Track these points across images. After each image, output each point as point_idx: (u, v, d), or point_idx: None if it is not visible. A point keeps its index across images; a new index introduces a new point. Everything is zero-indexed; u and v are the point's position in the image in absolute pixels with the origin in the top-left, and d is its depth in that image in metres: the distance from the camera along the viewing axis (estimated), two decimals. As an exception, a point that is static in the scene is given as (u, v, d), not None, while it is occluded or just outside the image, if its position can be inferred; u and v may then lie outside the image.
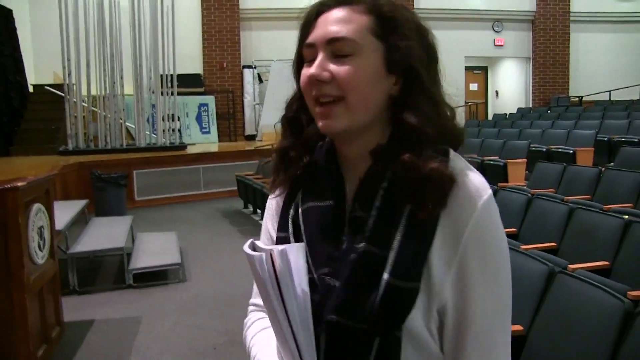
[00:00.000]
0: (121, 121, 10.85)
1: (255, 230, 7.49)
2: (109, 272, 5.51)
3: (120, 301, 4.85)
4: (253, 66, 14.20)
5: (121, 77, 10.86)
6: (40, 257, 3.77)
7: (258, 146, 11.42)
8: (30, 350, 3.49)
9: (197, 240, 6.89)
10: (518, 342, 2.41)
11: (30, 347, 3.49)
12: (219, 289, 5.10)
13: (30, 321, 3.49)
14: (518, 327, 2.44)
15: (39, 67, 12.64)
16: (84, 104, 10.68)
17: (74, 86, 10.54)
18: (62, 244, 5.20)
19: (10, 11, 11.71)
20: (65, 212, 5.43)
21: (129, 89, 11.16)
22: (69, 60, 10.41)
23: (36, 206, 3.76)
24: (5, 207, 3.41)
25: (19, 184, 3.49)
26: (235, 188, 9.15)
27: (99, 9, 10.64)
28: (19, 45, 11.86)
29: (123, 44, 10.87)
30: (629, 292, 2.46)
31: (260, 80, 14.04)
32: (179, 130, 11.64)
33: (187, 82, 12.98)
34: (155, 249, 5.61)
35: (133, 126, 11.21)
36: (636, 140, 7.54)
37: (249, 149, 11.20)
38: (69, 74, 10.48)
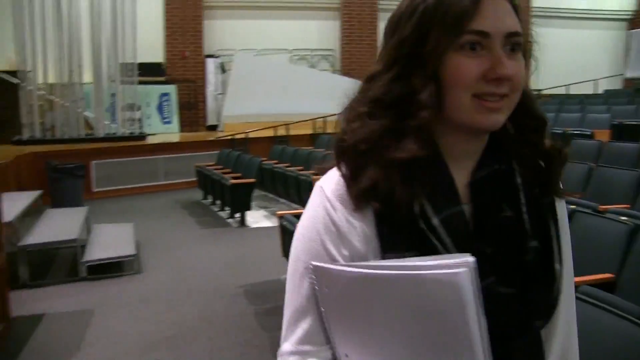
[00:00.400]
0: (79, 110, 10.62)
1: (212, 221, 7.46)
2: (62, 265, 5.41)
3: (73, 294, 4.77)
4: (216, 56, 14.06)
5: (80, 65, 10.61)
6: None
7: (220, 136, 11.35)
8: (-25, 345, 3.43)
9: (154, 231, 6.83)
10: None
11: (-25, 342, 3.43)
12: (175, 280, 5.08)
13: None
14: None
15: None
16: (40, 92, 10.41)
17: (30, 73, 10.26)
18: (13, 236, 5.09)
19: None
20: (17, 203, 5.32)
21: (88, 77, 10.92)
22: (24, 45, 10.13)
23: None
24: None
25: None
26: (195, 179, 9.08)
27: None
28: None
29: (82, 30, 10.61)
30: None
31: (223, 70, 13.92)
32: (139, 120, 11.47)
33: (148, 71, 12.76)
34: (111, 241, 5.54)
35: (92, 115, 10.99)
36: (588, 133, 7.74)
37: (210, 139, 11.11)
38: (24, 60, 10.22)
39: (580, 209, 3.46)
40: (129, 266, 5.25)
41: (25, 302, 4.46)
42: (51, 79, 10.56)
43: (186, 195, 9.20)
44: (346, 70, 14.92)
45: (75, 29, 10.50)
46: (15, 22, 9.95)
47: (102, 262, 5.07)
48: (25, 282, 4.86)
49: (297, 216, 4.83)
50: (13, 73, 10.88)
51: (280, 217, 4.92)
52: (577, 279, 2.93)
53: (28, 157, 8.26)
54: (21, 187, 7.37)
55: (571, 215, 3.33)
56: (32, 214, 5.88)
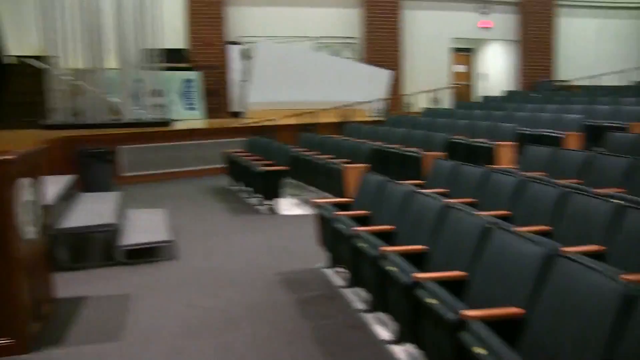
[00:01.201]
0: (105, 96, 10.67)
1: (243, 207, 7.45)
2: (97, 248, 5.42)
3: (110, 278, 4.79)
4: (239, 43, 14.02)
5: (105, 51, 10.67)
6: (30, 232, 3.69)
7: (244, 123, 11.32)
8: (22, 326, 3.44)
9: (185, 217, 6.83)
10: (518, 325, 2.42)
11: (22, 323, 3.43)
12: (211, 266, 5.07)
13: (22, 297, 3.43)
14: (516, 310, 2.45)
15: (21, 39, 12.32)
16: (66, 77, 10.46)
17: (57, 59, 10.33)
18: (51, 220, 5.10)
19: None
20: (52, 187, 5.33)
21: (113, 63, 10.97)
22: (49, 32, 10.21)
23: (25, 180, 3.67)
24: (-6, 181, 3.32)
25: (9, 157, 3.40)
26: (222, 165, 9.06)
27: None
28: (-1, 16, 11.56)
29: (107, 17, 10.67)
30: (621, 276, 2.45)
31: (246, 58, 13.87)
32: (164, 106, 11.49)
33: (172, 57, 12.77)
34: (145, 226, 5.54)
35: (117, 101, 11.03)
36: (623, 126, 7.60)
37: (235, 126, 11.09)
38: (51, 46, 10.30)
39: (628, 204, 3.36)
40: (164, 252, 5.24)
41: (65, 285, 4.47)
42: (77, 65, 10.63)
43: (213, 182, 9.20)
44: (369, 58, 14.82)
45: (100, 16, 10.59)
46: (41, 8, 10.00)
47: (138, 247, 5.07)
48: (64, 265, 4.87)
49: (335, 205, 4.80)
50: (39, 58, 10.97)
51: (317, 205, 4.89)
52: (573, 248, 2.87)
53: (57, 142, 8.29)
54: (52, 171, 7.39)
55: (622, 210, 3.25)
56: (64, 198, 5.90)
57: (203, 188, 8.82)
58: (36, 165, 3.98)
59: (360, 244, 3.70)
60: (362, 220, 4.27)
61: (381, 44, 15.01)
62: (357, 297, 4.15)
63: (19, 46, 12.26)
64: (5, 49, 11.81)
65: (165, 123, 10.83)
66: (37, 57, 11.26)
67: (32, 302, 3.61)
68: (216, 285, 4.58)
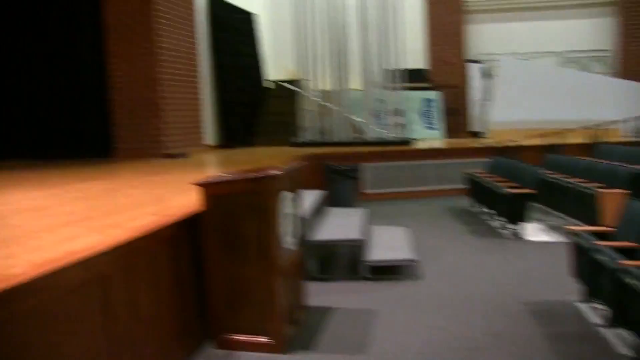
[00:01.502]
0: (349, 115, 11.28)
1: (485, 230, 7.20)
2: (344, 262, 5.66)
3: (356, 292, 4.94)
4: (479, 61, 13.75)
5: (350, 73, 11.35)
6: (290, 243, 3.98)
7: (485, 143, 11.02)
8: (280, 328, 3.70)
9: (426, 236, 6.81)
10: None
11: (280, 326, 3.70)
12: (453, 289, 4.95)
13: (280, 302, 3.70)
14: None
15: (276, 65, 13.66)
16: (315, 98, 11.31)
17: (307, 82, 11.26)
18: (305, 232, 5.46)
19: (252, 14, 12.91)
20: (305, 200, 5.71)
21: (357, 84, 11.58)
22: (301, 57, 11.22)
23: (287, 194, 3.97)
24: (262, 193, 3.64)
25: (275, 172, 3.71)
26: (463, 186, 8.91)
27: (329, 9, 11.29)
28: (259, 45, 13.00)
29: (351, 40, 11.35)
30: None
31: (487, 76, 13.54)
32: (404, 125, 11.73)
33: (412, 77, 12.99)
34: (389, 243, 5.64)
35: (360, 120, 11.56)
36: None
37: (476, 146, 10.85)
38: (303, 71, 11.27)
39: None
40: (408, 271, 5.28)
41: (314, 294, 4.72)
42: (325, 86, 11.45)
43: (453, 202, 9.08)
44: (626, 72, 13.41)
45: (345, 40, 11.34)
46: (295, 37, 11.09)
47: (383, 264, 5.17)
48: (313, 275, 5.17)
49: (594, 233, 4.37)
50: (292, 82, 12.09)
51: (572, 232, 4.50)
52: None
53: (307, 158, 8.93)
54: (303, 186, 7.99)
55: None
56: (316, 211, 6.29)
57: (443, 208, 8.76)
58: (296, 180, 4.30)
59: (629, 280, 3.29)
60: (627, 253, 3.82)
61: (640, 56, 13.53)
62: (620, 341, 3.70)
63: (276, 71, 13.58)
64: (265, 75, 13.22)
65: (406, 142, 11.03)
66: (290, 81, 12.37)
67: (288, 307, 3.88)
68: (460, 310, 4.45)
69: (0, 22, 9.45)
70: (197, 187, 3.71)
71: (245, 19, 12.73)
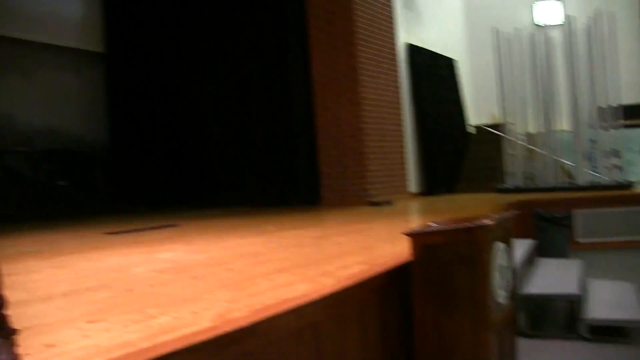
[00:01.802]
0: (557, 158, 10.61)
1: None
2: (557, 318, 5.26)
3: (572, 353, 4.55)
4: None
5: (557, 113, 10.72)
6: (502, 296, 3.80)
7: None
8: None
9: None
10: None
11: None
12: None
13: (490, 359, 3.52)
14: None
15: (478, 110, 13.43)
16: (521, 142, 10.85)
17: (511, 125, 10.85)
18: (517, 285, 5.19)
19: (453, 60, 12.93)
20: (515, 251, 5.44)
21: (564, 124, 10.89)
22: (505, 100, 10.88)
23: (499, 244, 3.81)
24: (474, 244, 3.52)
25: (488, 222, 3.59)
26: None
27: (532, 48, 10.82)
28: (461, 90, 12.95)
29: (558, 79, 10.79)
30: None
31: None
32: (621, 167, 10.69)
33: (629, 114, 11.86)
34: (611, 300, 5.13)
35: (569, 163, 10.81)
36: None
37: None
38: (506, 114, 10.91)
39: None
40: (637, 333, 4.73)
41: (525, 352, 4.43)
42: (529, 129, 10.93)
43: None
44: None
45: (551, 78, 10.75)
46: (497, 80, 10.85)
47: (606, 323, 4.70)
48: (524, 331, 4.87)
49: None
50: (495, 127, 11.78)
51: None
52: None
53: (514, 206, 8.53)
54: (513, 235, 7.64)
55: None
56: (527, 262, 5.95)
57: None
58: (508, 230, 4.12)
59: None
60: None
61: None
62: None
63: (478, 116, 13.35)
64: (468, 120, 13.09)
65: (624, 186, 10.03)
66: (494, 126, 12.05)
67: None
68: None
69: (225, 84, 10.56)
70: (407, 236, 3.72)
71: (445, 64, 12.80)
